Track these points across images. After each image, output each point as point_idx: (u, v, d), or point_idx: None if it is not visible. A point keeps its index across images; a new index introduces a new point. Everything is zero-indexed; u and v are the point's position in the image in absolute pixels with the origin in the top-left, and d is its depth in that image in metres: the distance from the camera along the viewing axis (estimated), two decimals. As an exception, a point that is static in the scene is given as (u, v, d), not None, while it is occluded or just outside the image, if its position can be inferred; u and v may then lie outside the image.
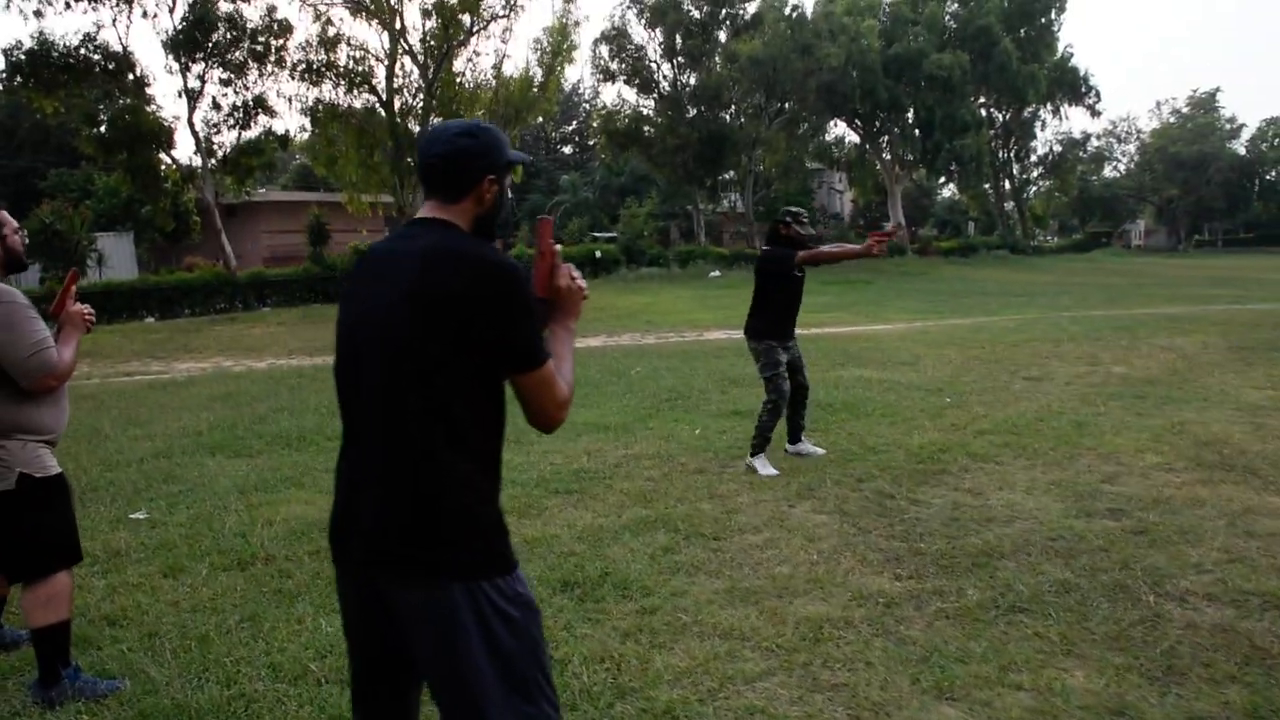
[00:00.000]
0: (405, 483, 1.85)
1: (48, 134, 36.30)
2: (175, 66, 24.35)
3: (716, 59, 37.36)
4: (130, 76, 23.81)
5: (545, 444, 7.33)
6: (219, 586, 4.47)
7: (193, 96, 24.80)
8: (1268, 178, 68.85)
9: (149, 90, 24.55)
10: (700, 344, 14.77)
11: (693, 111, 37.84)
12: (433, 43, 28.18)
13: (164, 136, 24.43)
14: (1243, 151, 69.03)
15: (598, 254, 33.75)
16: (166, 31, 24.26)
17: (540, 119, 33.63)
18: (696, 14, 37.12)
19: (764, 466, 6.34)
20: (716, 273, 34.01)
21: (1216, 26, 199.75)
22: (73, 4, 22.92)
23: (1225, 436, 7.02)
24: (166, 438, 8.34)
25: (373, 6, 27.91)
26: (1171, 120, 68.85)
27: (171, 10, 24.22)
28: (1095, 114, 49.31)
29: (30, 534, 3.31)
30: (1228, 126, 69.03)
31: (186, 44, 23.80)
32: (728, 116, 38.68)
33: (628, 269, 33.58)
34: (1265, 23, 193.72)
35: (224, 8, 24.28)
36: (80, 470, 6.91)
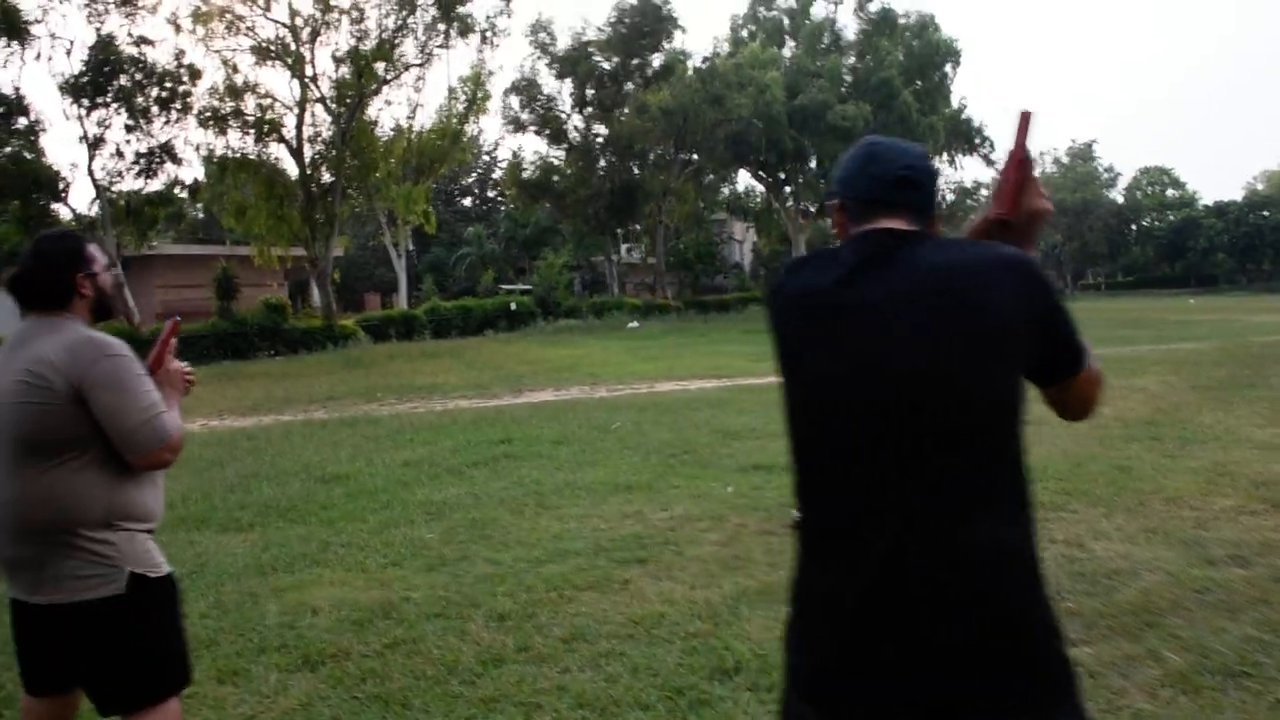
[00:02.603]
0: (991, 586, 1.33)
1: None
2: (73, 112, 22.82)
3: (626, 109, 37.41)
4: (23, 121, 22.24)
5: (576, 508, 6.77)
6: (299, 694, 3.75)
7: (93, 143, 23.29)
8: (1144, 223, 72.92)
9: (43, 136, 22.97)
10: (660, 397, 14.29)
11: (604, 162, 37.73)
12: (345, 91, 27.31)
13: (60, 185, 22.85)
14: (1120, 199, 73.05)
15: (513, 306, 33.12)
16: (63, 74, 22.81)
17: (453, 170, 32.91)
18: (607, 65, 37.18)
19: None
20: (635, 323, 33.71)
21: (1094, 81, 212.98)
22: (-42, 44, 21.32)
23: (1276, 477, 6.90)
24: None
25: (281, 52, 26.95)
26: (1053, 169, 72.38)
27: (69, 53, 22.84)
28: (990, 163, 51.03)
29: (142, 650, 2.55)
30: (1105, 175, 73.01)
31: (89, 88, 22.37)
32: (637, 167, 38.71)
33: (544, 321, 33.00)
34: (1139, 78, 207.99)
35: (127, 50, 22.96)
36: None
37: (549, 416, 11.99)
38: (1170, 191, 75.58)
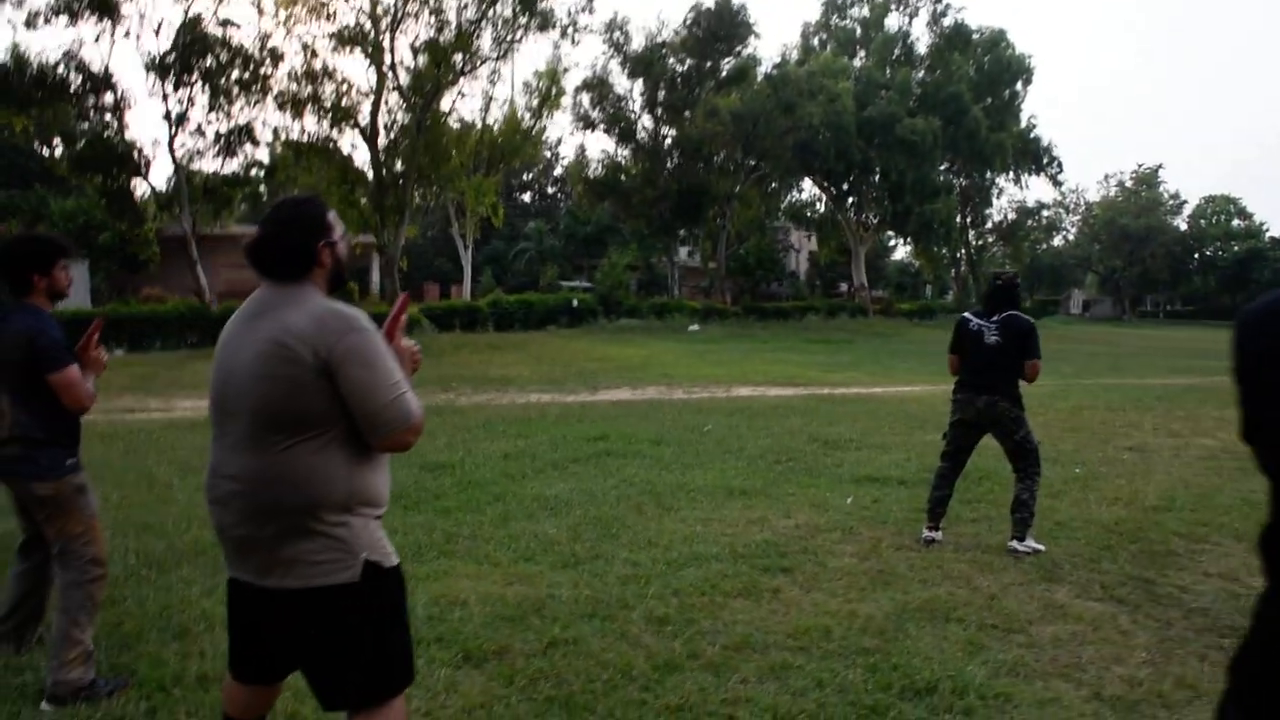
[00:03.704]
0: None
1: (-2, 152, 34.49)
2: (157, 90, 23.11)
3: (696, 112, 37.22)
4: (110, 97, 22.55)
5: (696, 510, 6.64)
6: (473, 693, 3.62)
7: (176, 121, 23.57)
8: (1207, 253, 71.29)
9: (128, 113, 23.29)
10: (743, 402, 14.12)
11: (671, 164, 37.58)
12: (423, 81, 27.40)
13: (143, 161, 23.14)
14: (1184, 227, 71.51)
15: (575, 303, 33.07)
16: (149, 53, 23.11)
17: (523, 164, 32.97)
18: (680, 67, 37.04)
19: (1034, 543, 5.72)
20: (695, 326, 33.53)
21: (1162, 104, 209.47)
22: (52, 19, 21.64)
23: None
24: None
25: (360, 39, 27.10)
26: (1116, 194, 71.07)
27: (157, 32, 23.12)
28: (1057, 184, 50.34)
29: (372, 644, 2.39)
30: (1171, 202, 71.52)
31: (175, 66, 22.63)
32: (704, 171, 38.52)
33: (606, 319, 32.91)
34: (1210, 102, 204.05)
35: (213, 32, 23.21)
36: (164, 531, 5.95)
37: (638, 416, 11.86)
38: (1236, 221, 73.82)
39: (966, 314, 6.11)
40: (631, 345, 26.24)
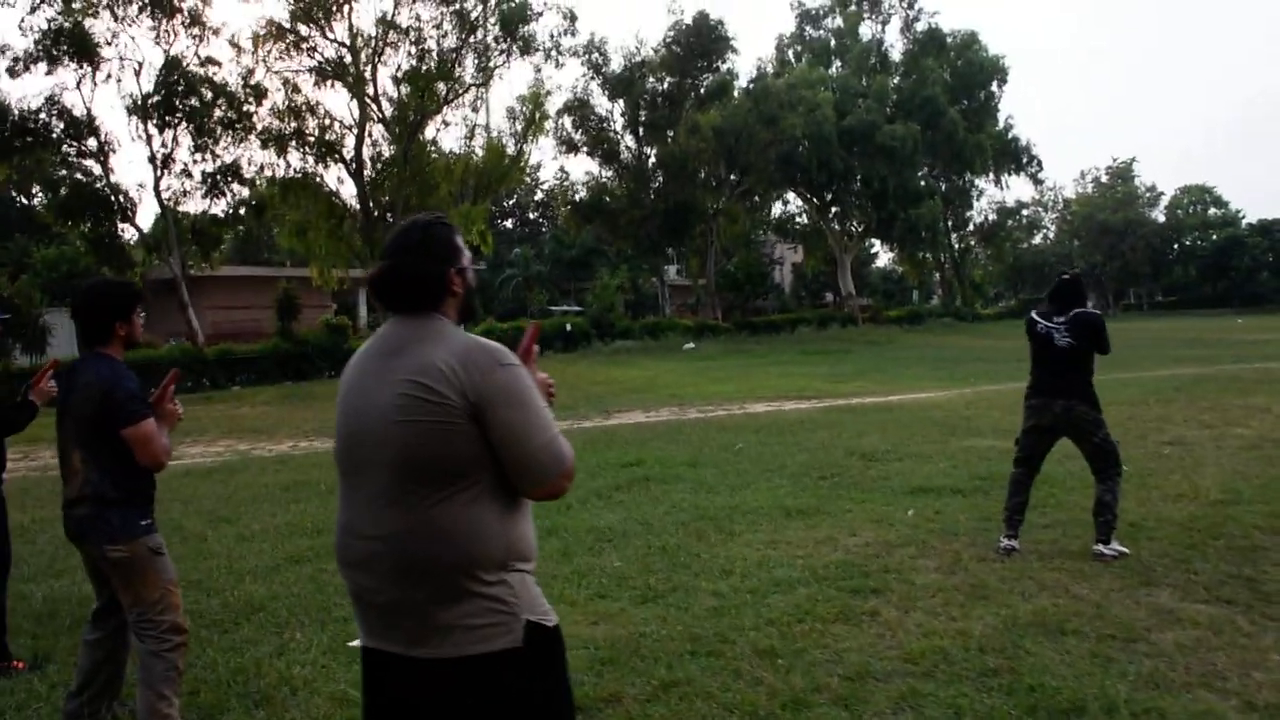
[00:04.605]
0: None
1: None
2: (141, 132, 22.84)
3: (679, 130, 37.21)
4: (94, 142, 22.27)
5: (758, 533, 6.47)
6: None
7: (162, 163, 23.29)
8: (1186, 243, 71.91)
9: (112, 157, 23.01)
10: (762, 418, 13.94)
11: (657, 182, 37.53)
12: (406, 111, 27.25)
13: (129, 205, 22.85)
14: (1162, 219, 72.16)
15: (568, 327, 32.87)
16: (131, 95, 22.85)
17: (510, 190, 32.83)
18: (661, 86, 37.05)
19: (1118, 544, 5.55)
20: (691, 345, 33.39)
21: (1133, 97, 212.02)
22: (32, 67, 21.36)
23: None
24: (275, 537, 7.10)
25: (340, 72, 26.93)
26: (1093, 190, 71.65)
27: (138, 74, 22.87)
28: (1037, 182, 50.57)
29: (537, 712, 2.14)
30: (1147, 195, 72.18)
31: (158, 108, 22.37)
32: (689, 188, 38.47)
33: (600, 342, 32.71)
34: (1178, 93, 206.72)
35: (195, 71, 22.97)
36: (213, 588, 5.69)
37: (663, 438, 11.66)
38: (1213, 210, 74.50)
39: (1033, 314, 5.96)
40: (631, 367, 26.06)
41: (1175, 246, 71.71)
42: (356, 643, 4.57)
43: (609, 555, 6.02)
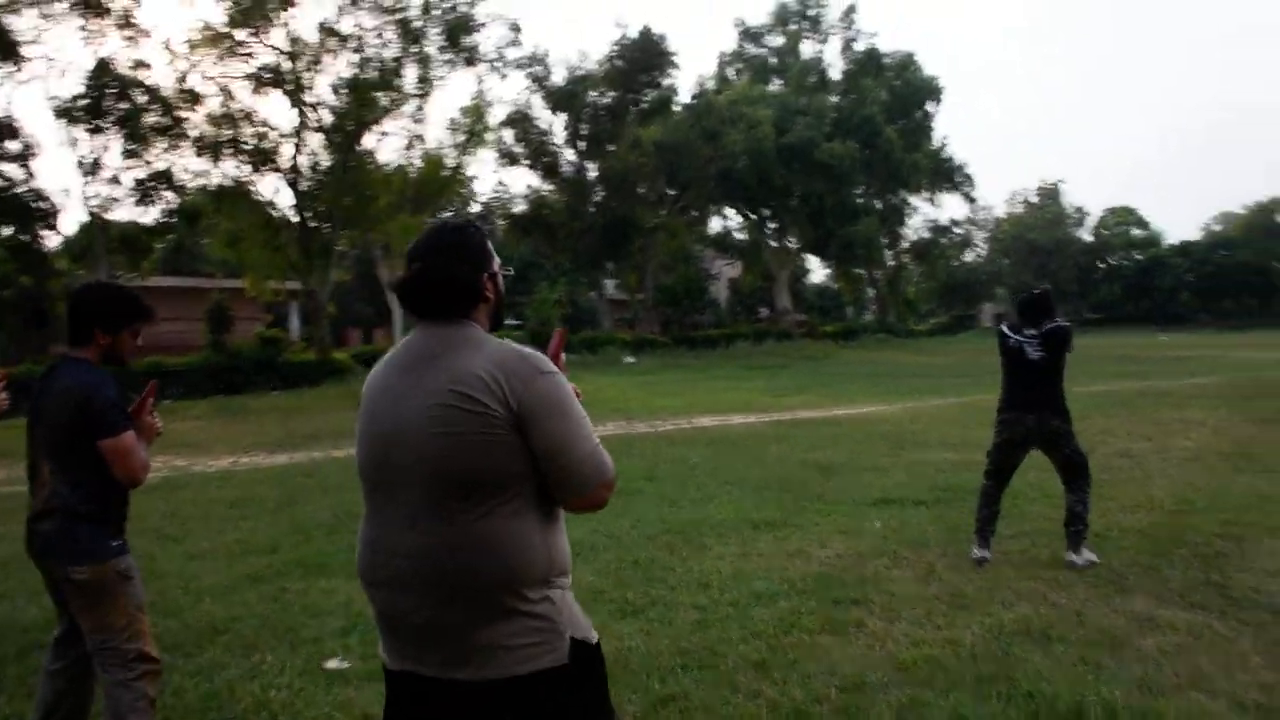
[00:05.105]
0: None
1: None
2: (68, 136, 22.08)
3: (620, 144, 37.27)
4: (15, 145, 21.46)
5: (728, 546, 6.44)
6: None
7: (90, 169, 22.54)
8: (1111, 262, 74.32)
9: (33, 161, 22.21)
10: (713, 432, 13.94)
11: (597, 196, 37.51)
12: (345, 120, 26.80)
13: (52, 212, 22.07)
14: (1089, 238, 74.52)
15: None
16: (59, 98, 22.10)
17: (450, 202, 32.49)
18: (603, 100, 37.07)
19: (1089, 553, 5.61)
20: (631, 359, 33.33)
21: (1061, 121, 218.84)
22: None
23: None
24: (228, 556, 6.83)
25: (278, 80, 26.38)
26: (1023, 210, 73.66)
27: (64, 75, 22.17)
28: (971, 200, 51.74)
29: None
30: (1075, 215, 74.47)
31: (87, 111, 21.66)
32: (629, 202, 38.53)
33: (541, 356, 32.39)
34: (1105, 118, 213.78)
35: (127, 74, 22.29)
36: (171, 609, 5.45)
37: (615, 451, 11.18)
38: (1136, 231, 77.08)
39: (1003, 328, 6.01)
40: (572, 380, 25.77)
41: (1101, 265, 74.08)
42: (332, 664, 4.47)
43: (580, 569, 5.89)
